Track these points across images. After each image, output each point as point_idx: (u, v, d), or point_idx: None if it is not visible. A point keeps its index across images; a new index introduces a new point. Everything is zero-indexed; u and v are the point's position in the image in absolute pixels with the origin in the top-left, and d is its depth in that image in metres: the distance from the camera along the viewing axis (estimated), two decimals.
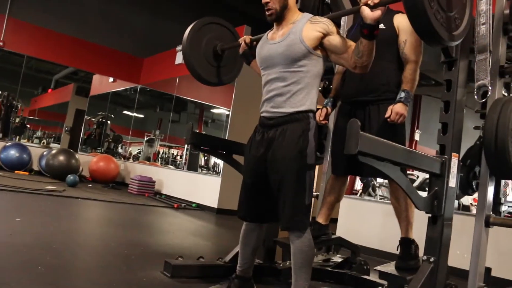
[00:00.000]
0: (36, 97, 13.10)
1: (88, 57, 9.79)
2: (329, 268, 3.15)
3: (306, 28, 2.20)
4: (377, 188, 7.59)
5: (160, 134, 11.67)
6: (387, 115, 2.55)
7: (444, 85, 2.32)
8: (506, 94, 2.56)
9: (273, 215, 2.31)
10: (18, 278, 2.26)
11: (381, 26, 2.54)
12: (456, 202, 3.59)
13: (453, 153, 2.25)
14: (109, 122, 11.86)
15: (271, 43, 2.31)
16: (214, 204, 6.96)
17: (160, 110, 12.56)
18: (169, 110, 11.23)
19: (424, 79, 7.23)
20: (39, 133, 13.03)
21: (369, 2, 1.96)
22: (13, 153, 8.48)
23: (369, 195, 7.55)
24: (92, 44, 9.70)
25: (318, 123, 2.34)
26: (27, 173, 8.43)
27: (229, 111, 7.43)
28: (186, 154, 10.58)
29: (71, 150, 9.16)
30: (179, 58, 8.38)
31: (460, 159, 2.34)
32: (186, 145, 10.11)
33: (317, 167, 2.57)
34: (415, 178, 7.96)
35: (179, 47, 8.06)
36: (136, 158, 11.76)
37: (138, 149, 12.34)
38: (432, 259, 2.19)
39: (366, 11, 1.96)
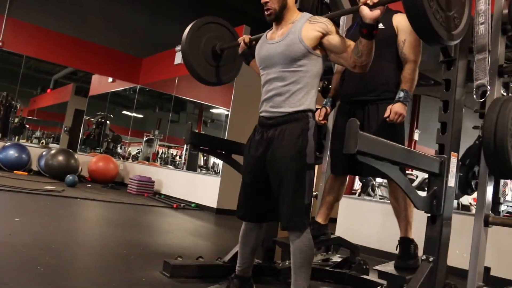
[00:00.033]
0: (35, 97, 13.09)
1: (87, 57, 9.78)
2: (328, 268, 3.15)
3: (305, 27, 2.20)
4: (376, 188, 7.60)
5: (159, 134, 11.65)
6: (386, 114, 2.55)
7: (443, 85, 2.33)
8: (505, 94, 2.56)
9: (273, 215, 2.31)
10: (17, 278, 2.26)
11: (380, 25, 2.54)
12: (455, 201, 3.59)
13: (452, 153, 2.25)
14: (108, 122, 11.85)
15: (270, 43, 2.31)
16: (214, 204, 6.96)
17: (159, 110, 12.55)
18: (168, 110, 11.23)
19: (423, 79, 7.23)
20: (38, 133, 13.01)
21: (368, 1, 1.96)
22: (12, 153, 8.48)
23: (369, 195, 7.55)
24: (91, 44, 9.69)
25: (317, 122, 2.34)
26: (26, 173, 8.42)
27: (228, 111, 7.43)
28: (185, 154, 10.56)
29: (70, 150, 9.16)
30: (178, 58, 8.39)
31: (459, 158, 2.35)
32: (185, 145, 10.10)
33: (316, 166, 2.57)
34: (415, 178, 7.97)
35: (178, 47, 8.07)
36: (135, 158, 11.75)
37: (137, 149, 12.32)
38: (431, 259, 2.19)
39: (365, 10, 1.96)
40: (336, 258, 3.31)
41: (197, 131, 4.04)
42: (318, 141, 2.31)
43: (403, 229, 2.72)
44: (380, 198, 7.16)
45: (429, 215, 2.25)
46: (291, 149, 2.16)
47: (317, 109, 2.43)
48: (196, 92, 10.39)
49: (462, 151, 2.53)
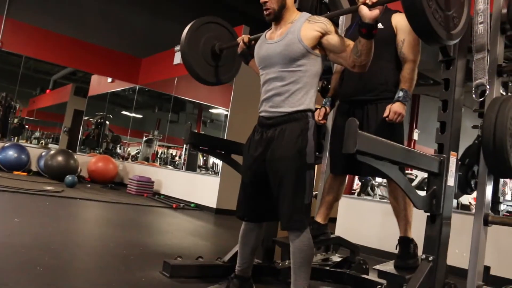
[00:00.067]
0: (35, 97, 13.08)
1: (87, 57, 9.78)
2: (328, 268, 3.15)
3: (304, 27, 2.20)
4: (376, 188, 7.59)
5: (158, 135, 11.65)
6: (385, 114, 2.55)
7: (442, 84, 2.33)
8: (504, 93, 2.56)
9: (272, 215, 2.31)
10: (16, 278, 2.26)
11: (379, 25, 2.54)
12: (455, 201, 3.60)
13: (451, 152, 2.25)
14: (107, 122, 11.85)
15: (269, 43, 2.31)
16: (213, 204, 6.96)
17: (158, 111, 12.54)
18: (167, 110, 11.23)
19: (422, 79, 7.23)
20: (37, 134, 13.00)
21: (367, 1, 1.96)
22: (11, 153, 8.47)
23: (368, 194, 7.55)
24: (91, 44, 9.69)
25: (317, 122, 2.34)
26: (25, 173, 8.41)
27: (228, 111, 7.43)
28: (184, 154, 10.56)
29: (70, 151, 9.16)
30: (177, 58, 8.39)
31: (458, 158, 2.35)
32: (184, 145, 10.10)
33: (316, 166, 2.57)
34: (414, 178, 7.96)
35: (177, 47, 8.07)
36: (134, 158, 11.74)
37: (137, 150, 12.32)
38: (431, 258, 2.19)
39: (364, 10, 1.97)
40: (336, 258, 3.32)
41: (196, 131, 4.05)
42: (318, 141, 2.30)
43: (402, 228, 2.72)
44: (380, 198, 7.15)
45: (428, 214, 2.26)
46: (291, 149, 2.16)
47: (316, 108, 2.43)
48: (196, 92, 10.38)
49: (461, 150, 2.54)
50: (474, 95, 2.30)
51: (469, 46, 2.35)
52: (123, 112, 12.84)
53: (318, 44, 2.20)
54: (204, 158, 11.11)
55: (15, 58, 9.77)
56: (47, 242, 3.21)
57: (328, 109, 2.98)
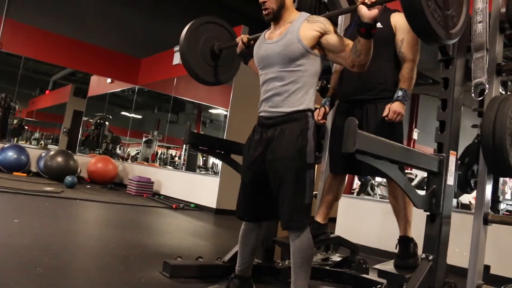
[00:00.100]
0: (34, 98, 13.08)
1: (86, 58, 9.77)
2: (328, 267, 3.15)
3: (303, 27, 2.20)
4: (376, 187, 7.60)
5: (158, 135, 11.66)
6: (384, 113, 2.55)
7: (441, 83, 2.33)
8: (503, 92, 2.56)
9: (272, 214, 2.32)
10: (16, 278, 2.26)
11: (378, 25, 2.55)
12: (455, 200, 3.61)
13: (451, 151, 2.26)
14: (107, 123, 11.85)
15: (268, 43, 2.31)
16: (213, 205, 6.96)
17: (158, 111, 12.54)
18: (167, 110, 11.23)
19: (422, 78, 7.24)
20: (37, 135, 12.99)
21: (366, 1, 1.96)
22: (11, 154, 8.47)
23: (368, 194, 7.56)
24: (90, 45, 9.69)
25: (316, 122, 2.34)
26: (25, 174, 8.41)
27: (227, 111, 7.43)
28: (184, 154, 10.56)
29: (69, 151, 9.15)
30: (176, 59, 8.39)
31: (458, 157, 2.35)
32: (184, 146, 10.10)
33: (316, 166, 2.57)
34: (414, 177, 7.97)
35: (176, 48, 8.07)
36: (134, 159, 11.75)
37: (137, 150, 12.32)
38: (430, 257, 2.19)
39: (363, 10, 1.97)
40: (336, 258, 3.32)
41: (196, 131, 4.05)
42: (317, 141, 2.31)
43: (402, 228, 2.72)
44: (380, 198, 7.16)
45: (428, 213, 2.26)
46: (290, 148, 2.16)
47: (316, 108, 2.43)
48: (195, 93, 10.38)
49: (461, 149, 2.54)
50: (473, 94, 2.31)
51: (468, 45, 2.35)
52: (123, 113, 12.84)
53: (317, 44, 2.20)
54: (204, 158, 11.12)
55: (15, 59, 9.76)
56: (47, 243, 3.21)
57: (327, 108, 2.98)
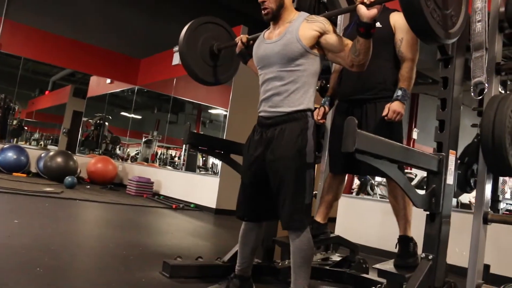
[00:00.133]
0: (34, 99, 13.08)
1: (85, 58, 9.78)
2: (328, 267, 3.15)
3: (302, 27, 2.20)
4: (376, 187, 7.60)
5: (158, 135, 11.66)
6: (384, 113, 2.55)
7: (440, 83, 2.33)
8: (502, 92, 2.56)
9: (272, 214, 2.32)
10: (16, 279, 2.26)
11: (378, 24, 2.55)
12: (455, 200, 3.61)
13: (450, 151, 2.26)
14: (106, 123, 11.85)
15: (267, 43, 2.31)
16: (213, 205, 6.96)
17: (157, 111, 12.54)
18: (166, 111, 11.23)
19: (421, 78, 7.24)
20: (36, 135, 12.98)
21: (365, 0, 1.96)
22: (10, 155, 8.47)
23: (368, 194, 7.56)
24: (89, 45, 9.69)
25: (316, 122, 2.34)
26: (25, 175, 8.41)
27: (227, 111, 7.43)
28: (184, 155, 10.56)
29: (69, 152, 9.14)
30: (176, 59, 8.40)
31: (457, 156, 2.35)
32: (184, 146, 10.10)
33: (315, 166, 2.57)
34: (414, 177, 7.97)
35: (176, 48, 8.07)
36: (134, 159, 11.74)
37: (136, 150, 12.32)
38: (430, 257, 2.19)
39: (362, 9, 1.97)
40: (336, 257, 3.32)
41: (195, 131, 4.05)
42: (317, 140, 2.31)
43: (402, 227, 2.72)
44: (381, 197, 7.16)
45: (428, 213, 2.26)
46: (290, 148, 2.16)
47: (315, 108, 2.43)
48: (194, 93, 10.39)
49: (461, 149, 2.54)
50: (472, 94, 2.31)
51: (467, 45, 2.35)
52: (122, 113, 12.84)
53: (317, 43, 2.20)
54: (204, 158, 11.12)
55: (14, 59, 9.76)
56: (47, 243, 3.21)
57: (327, 108, 2.98)
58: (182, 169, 10.21)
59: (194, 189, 7.71)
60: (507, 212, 6.96)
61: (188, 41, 2.93)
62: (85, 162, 9.36)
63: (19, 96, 10.70)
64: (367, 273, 3.14)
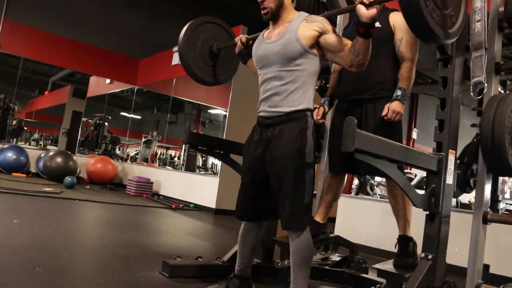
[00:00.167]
0: (33, 99, 13.07)
1: (85, 58, 9.78)
2: (327, 267, 3.15)
3: (302, 27, 2.20)
4: (375, 187, 7.61)
5: (157, 135, 11.66)
6: (384, 113, 2.55)
7: (440, 83, 2.33)
8: (502, 91, 2.56)
9: (272, 214, 2.32)
10: (16, 279, 2.26)
11: (377, 24, 2.55)
12: (454, 200, 3.60)
13: (450, 150, 2.26)
14: (106, 123, 11.85)
15: (267, 42, 2.31)
16: (212, 205, 6.96)
17: (157, 111, 12.55)
18: (166, 111, 11.23)
19: (421, 78, 7.25)
20: (36, 135, 12.99)
21: (364, 0, 1.96)
22: (10, 155, 8.47)
23: (367, 194, 7.56)
24: (89, 45, 9.69)
25: (315, 122, 2.34)
26: (24, 175, 8.41)
27: (226, 111, 7.43)
28: (184, 155, 10.57)
29: (69, 152, 9.14)
30: (175, 59, 8.39)
31: (457, 156, 2.35)
32: (183, 146, 10.11)
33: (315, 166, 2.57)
34: (413, 177, 7.97)
35: (175, 48, 8.07)
36: (133, 159, 11.74)
37: (136, 151, 12.32)
38: (430, 256, 2.19)
39: (361, 9, 1.97)
40: (335, 257, 3.32)
41: (195, 131, 4.05)
42: (317, 140, 2.31)
43: (401, 227, 2.72)
44: (380, 197, 7.16)
45: (427, 213, 2.26)
46: (290, 148, 2.16)
47: (315, 108, 2.43)
48: (194, 93, 10.39)
49: (460, 149, 2.54)
50: (472, 93, 2.31)
51: (466, 44, 2.35)
52: (122, 113, 12.84)
53: (316, 43, 2.20)
54: (203, 158, 11.13)
55: (13, 59, 9.76)
56: (47, 243, 3.21)
57: (326, 108, 2.98)
58: (181, 169, 10.21)
59: (194, 189, 7.71)
60: (507, 212, 6.96)
61: (187, 41, 2.93)
62: (85, 162, 9.36)
63: (19, 96, 10.69)
64: (367, 273, 3.14)
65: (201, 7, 9.93)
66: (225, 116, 8.06)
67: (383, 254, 4.23)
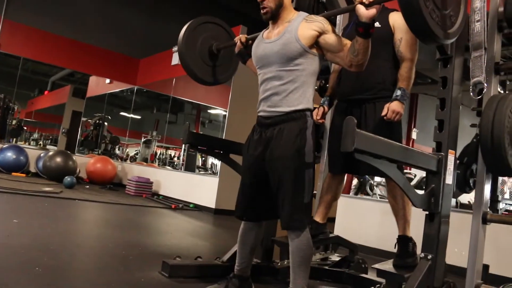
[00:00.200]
0: (33, 99, 13.06)
1: (85, 58, 9.78)
2: (327, 267, 3.15)
3: (301, 26, 2.20)
4: (375, 187, 7.61)
5: (157, 135, 11.66)
6: (383, 113, 2.55)
7: (439, 83, 2.33)
8: (501, 91, 2.56)
9: (272, 213, 2.31)
10: (16, 279, 2.25)
11: (377, 24, 2.55)
12: (454, 200, 3.60)
13: (449, 150, 2.26)
14: (106, 123, 11.84)
15: (266, 42, 2.31)
16: (212, 205, 6.96)
17: (157, 111, 12.54)
18: (166, 111, 11.23)
19: (420, 78, 7.25)
20: (36, 135, 12.98)
21: (364, 0, 1.96)
22: (10, 155, 8.46)
23: (367, 194, 7.56)
24: (88, 45, 9.69)
25: (315, 121, 2.34)
26: (24, 175, 8.41)
27: (226, 111, 7.43)
28: (183, 155, 10.57)
29: (68, 152, 9.14)
30: (175, 59, 8.40)
31: (457, 156, 2.35)
32: (183, 146, 10.11)
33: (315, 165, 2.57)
34: (413, 177, 7.98)
35: (175, 48, 8.07)
36: (133, 159, 11.74)
37: (136, 150, 12.32)
38: (429, 256, 2.19)
39: (361, 9, 1.97)
40: (335, 257, 3.31)
41: (195, 131, 4.05)
42: (316, 140, 2.31)
43: (401, 227, 2.72)
44: (380, 198, 7.16)
45: (427, 213, 2.26)
46: (289, 148, 2.16)
47: (314, 108, 2.43)
48: (194, 93, 10.39)
49: (460, 149, 2.54)
50: (471, 93, 2.31)
51: (466, 44, 2.35)
52: (122, 113, 12.84)
53: (315, 43, 2.20)
54: (203, 158, 11.13)
55: (13, 59, 9.76)
56: (46, 243, 3.21)
57: (326, 108, 2.98)
58: (181, 169, 10.21)
59: (193, 189, 7.71)
60: (506, 213, 6.96)
61: (187, 41, 2.93)
62: (84, 162, 9.36)
63: (19, 96, 10.69)
64: (366, 273, 3.14)
65: (201, 6, 9.93)
66: (224, 116, 8.06)
67: (383, 254, 4.23)
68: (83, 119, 11.71)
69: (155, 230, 5.17)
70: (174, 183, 8.46)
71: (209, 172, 10.67)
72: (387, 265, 2.58)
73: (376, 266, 2.54)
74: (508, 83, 2.74)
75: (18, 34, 8.80)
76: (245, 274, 2.47)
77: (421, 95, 9.56)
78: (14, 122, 10.52)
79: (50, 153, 8.73)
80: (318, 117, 2.90)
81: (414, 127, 9.60)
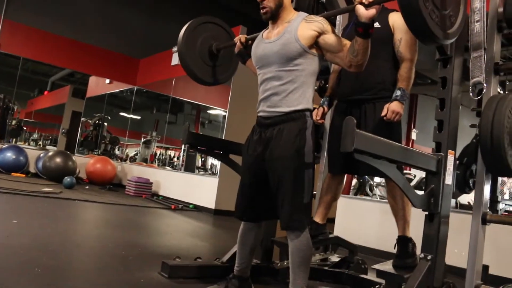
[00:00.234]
0: (33, 99, 13.05)
1: (84, 58, 9.78)
2: (326, 268, 3.15)
3: (301, 27, 2.20)
4: (375, 188, 7.60)
5: (157, 136, 11.66)
6: (383, 113, 2.55)
7: (439, 83, 2.33)
8: (501, 92, 2.56)
9: (271, 214, 2.31)
10: (16, 279, 2.25)
11: (376, 24, 2.55)
12: (453, 201, 3.60)
13: (449, 151, 2.26)
14: (105, 123, 11.84)
15: (266, 42, 2.31)
16: (212, 205, 6.95)
17: (156, 112, 12.54)
18: (165, 111, 11.23)
19: (420, 78, 7.25)
20: (35, 135, 12.98)
21: (363, 0, 1.96)
22: (9, 155, 8.46)
23: (366, 194, 7.56)
24: (88, 45, 9.69)
25: (315, 122, 2.34)
26: (23, 175, 8.41)
27: (226, 112, 7.43)
28: (183, 155, 10.56)
29: (68, 152, 9.13)
30: (175, 59, 8.40)
31: (456, 157, 2.35)
32: (183, 146, 10.11)
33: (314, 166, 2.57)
34: (412, 178, 7.98)
35: (175, 48, 8.07)
36: (133, 159, 11.74)
37: (135, 151, 12.31)
38: (429, 257, 2.19)
39: (361, 9, 1.97)
40: (335, 258, 3.31)
41: (194, 132, 4.05)
42: (316, 141, 2.31)
43: (401, 228, 2.72)
44: (380, 198, 7.16)
45: (426, 213, 2.26)
46: (289, 148, 2.16)
47: (314, 108, 2.43)
48: (194, 93, 10.39)
49: (459, 150, 2.54)
50: (471, 94, 2.31)
51: (466, 45, 2.35)
52: (121, 114, 12.83)
53: (315, 43, 2.20)
54: (203, 159, 11.12)
55: (13, 59, 9.76)
56: (46, 243, 3.21)
57: (326, 108, 2.98)
58: (181, 170, 10.20)
59: (193, 189, 7.70)
60: (506, 213, 6.96)
61: (187, 41, 2.93)
62: (84, 162, 9.35)
63: (18, 96, 10.68)
64: (366, 274, 3.14)
65: (200, 6, 9.93)
66: (224, 116, 8.06)
67: (382, 255, 4.23)
68: (83, 119, 11.71)
69: (155, 230, 5.17)
70: (173, 183, 8.46)
71: (209, 172, 10.67)
72: (387, 266, 2.58)
73: (376, 266, 2.55)
74: (507, 83, 2.74)
75: (18, 34, 8.80)
76: (245, 275, 2.47)
77: (421, 95, 9.56)
78: (13, 122, 10.52)
79: (50, 153, 8.72)
80: (318, 118, 2.90)
81: (414, 127, 9.60)
